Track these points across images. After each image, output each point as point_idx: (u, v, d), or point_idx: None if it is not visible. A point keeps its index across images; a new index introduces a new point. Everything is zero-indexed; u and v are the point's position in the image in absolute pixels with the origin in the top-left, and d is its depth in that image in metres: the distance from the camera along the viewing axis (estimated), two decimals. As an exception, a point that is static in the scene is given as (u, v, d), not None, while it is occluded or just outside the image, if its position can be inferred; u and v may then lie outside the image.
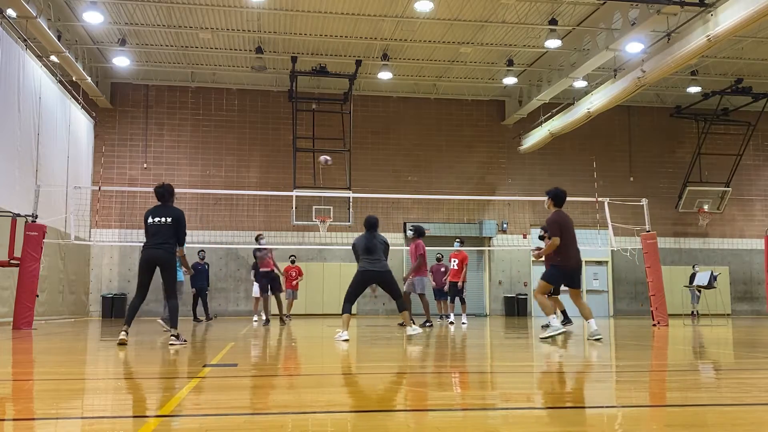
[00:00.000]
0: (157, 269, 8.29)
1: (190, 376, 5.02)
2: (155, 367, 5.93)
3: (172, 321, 8.35)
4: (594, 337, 8.63)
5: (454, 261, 15.09)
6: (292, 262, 18.24)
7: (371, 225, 9.57)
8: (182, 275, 14.39)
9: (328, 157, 14.96)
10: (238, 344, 8.53)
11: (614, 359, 6.80)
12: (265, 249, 15.02)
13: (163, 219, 8.22)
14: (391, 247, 9.78)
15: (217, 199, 22.08)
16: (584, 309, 8.92)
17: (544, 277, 9.01)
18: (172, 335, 8.26)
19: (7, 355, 7.12)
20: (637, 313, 23.43)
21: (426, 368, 5.86)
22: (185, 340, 8.48)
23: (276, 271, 15.07)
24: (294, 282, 17.90)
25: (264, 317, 14.81)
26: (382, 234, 9.90)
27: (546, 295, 9.13)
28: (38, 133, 15.94)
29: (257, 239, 15.37)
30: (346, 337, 8.91)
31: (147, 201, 21.16)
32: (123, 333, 8.08)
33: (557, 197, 9.10)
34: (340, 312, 9.45)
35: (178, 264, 8.66)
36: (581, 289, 9.18)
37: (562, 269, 8.87)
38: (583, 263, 23.35)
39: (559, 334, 8.85)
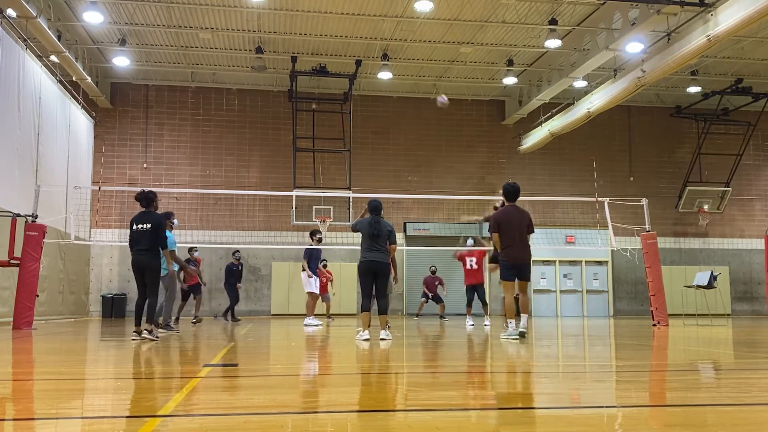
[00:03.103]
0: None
1: (190, 376, 5.02)
2: (155, 367, 5.94)
3: (148, 317, 9.05)
4: (510, 336, 8.92)
5: (471, 261, 13.99)
6: (324, 266, 17.34)
7: (376, 209, 9.19)
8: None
9: (444, 99, 13.40)
10: (238, 344, 8.53)
11: (614, 359, 6.80)
12: (196, 262, 15.77)
13: (143, 226, 8.97)
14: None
15: (217, 199, 22.07)
16: (523, 302, 9.23)
17: (500, 277, 9.32)
18: (145, 329, 8.97)
19: (7, 355, 7.12)
20: (637, 313, 23.42)
21: (426, 368, 5.86)
22: (157, 337, 9.09)
23: (201, 280, 15.77)
24: (326, 285, 17.44)
25: (187, 319, 15.49)
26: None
27: (513, 295, 9.29)
28: (38, 133, 15.93)
29: (191, 251, 15.88)
30: (367, 337, 8.78)
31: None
32: (135, 334, 8.88)
33: (506, 193, 9.29)
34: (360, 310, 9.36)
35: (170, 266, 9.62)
36: (529, 282, 9.44)
37: (506, 263, 9.12)
38: (583, 263, 23.66)
39: (513, 338, 8.89)
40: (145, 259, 8.94)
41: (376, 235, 9.01)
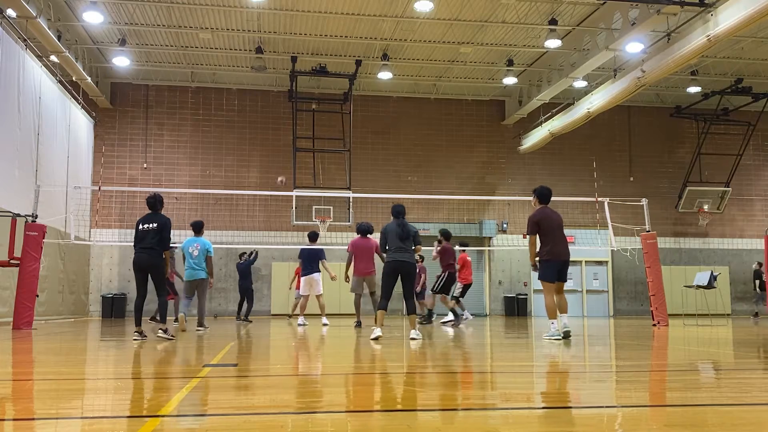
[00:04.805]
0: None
1: (190, 376, 5.02)
2: (155, 367, 5.94)
3: (161, 316, 9.31)
4: (553, 337, 8.85)
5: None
6: None
7: (400, 212, 9.36)
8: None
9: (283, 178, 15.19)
10: (238, 344, 8.53)
11: (614, 359, 6.80)
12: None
13: (149, 225, 9.18)
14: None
15: (217, 199, 22.07)
16: (561, 303, 9.04)
17: (539, 277, 9.16)
18: (160, 329, 9.19)
19: (7, 355, 7.12)
20: (637, 313, 23.43)
21: (426, 368, 5.86)
22: (173, 336, 9.30)
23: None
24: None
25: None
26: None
27: (553, 296, 9.09)
28: (38, 133, 15.93)
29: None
30: (379, 334, 8.85)
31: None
32: (136, 334, 8.98)
33: (542, 195, 9.40)
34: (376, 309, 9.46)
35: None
36: (565, 283, 9.24)
37: (548, 261, 9.01)
38: (583, 263, 23.67)
39: (556, 339, 8.80)
40: (146, 257, 9.10)
41: (404, 237, 9.20)
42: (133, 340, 8.90)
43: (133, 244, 9.31)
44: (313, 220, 20.68)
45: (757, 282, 22.08)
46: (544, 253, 9.03)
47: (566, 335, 8.83)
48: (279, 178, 14.72)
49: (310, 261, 14.38)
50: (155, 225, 9.15)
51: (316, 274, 14.30)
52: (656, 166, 25.01)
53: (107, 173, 21.38)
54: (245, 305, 17.25)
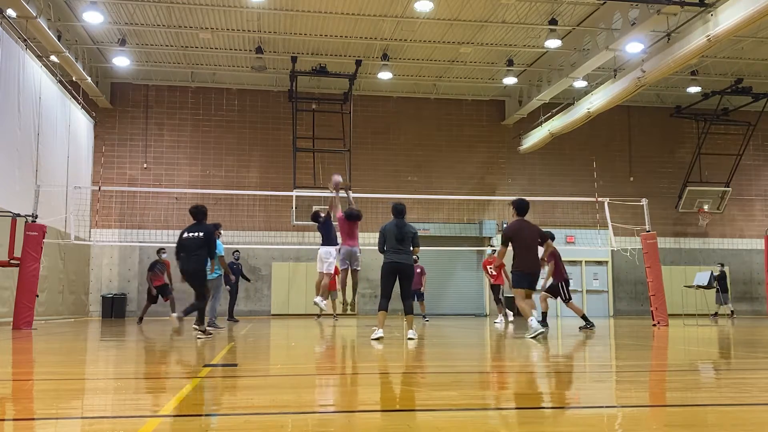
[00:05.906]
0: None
1: (190, 376, 5.02)
2: (155, 367, 5.94)
3: (198, 318, 9.67)
4: (537, 332, 9.04)
5: (490, 268, 15.87)
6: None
7: (400, 212, 9.30)
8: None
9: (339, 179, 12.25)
10: (238, 344, 8.53)
11: (614, 359, 6.80)
12: (163, 264, 15.32)
13: (195, 234, 9.62)
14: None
15: (217, 199, 22.06)
16: (529, 304, 9.59)
17: (512, 285, 9.82)
18: (200, 331, 9.62)
19: (7, 355, 7.12)
20: (637, 313, 23.42)
21: (426, 368, 5.86)
22: (210, 334, 9.71)
23: (168, 283, 15.34)
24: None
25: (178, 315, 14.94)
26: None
27: (525, 300, 9.58)
28: (38, 133, 15.93)
29: (159, 253, 15.60)
30: (380, 335, 8.85)
31: (147, 201, 21.18)
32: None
33: (519, 207, 9.79)
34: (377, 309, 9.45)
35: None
36: (536, 291, 9.90)
37: (519, 272, 9.53)
38: (583, 263, 23.66)
39: (539, 333, 8.99)
40: (191, 265, 9.48)
41: (402, 239, 9.14)
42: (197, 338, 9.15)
43: (175, 252, 9.67)
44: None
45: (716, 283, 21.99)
46: (515, 264, 9.56)
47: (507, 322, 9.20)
48: (334, 179, 11.84)
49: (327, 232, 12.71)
50: (201, 234, 9.55)
51: (325, 248, 12.49)
52: (656, 166, 25.01)
53: (107, 173, 21.38)
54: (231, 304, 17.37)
